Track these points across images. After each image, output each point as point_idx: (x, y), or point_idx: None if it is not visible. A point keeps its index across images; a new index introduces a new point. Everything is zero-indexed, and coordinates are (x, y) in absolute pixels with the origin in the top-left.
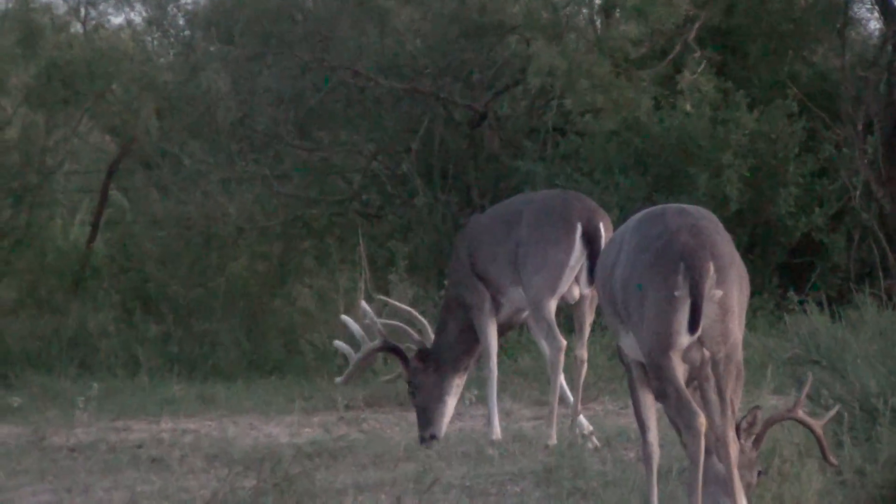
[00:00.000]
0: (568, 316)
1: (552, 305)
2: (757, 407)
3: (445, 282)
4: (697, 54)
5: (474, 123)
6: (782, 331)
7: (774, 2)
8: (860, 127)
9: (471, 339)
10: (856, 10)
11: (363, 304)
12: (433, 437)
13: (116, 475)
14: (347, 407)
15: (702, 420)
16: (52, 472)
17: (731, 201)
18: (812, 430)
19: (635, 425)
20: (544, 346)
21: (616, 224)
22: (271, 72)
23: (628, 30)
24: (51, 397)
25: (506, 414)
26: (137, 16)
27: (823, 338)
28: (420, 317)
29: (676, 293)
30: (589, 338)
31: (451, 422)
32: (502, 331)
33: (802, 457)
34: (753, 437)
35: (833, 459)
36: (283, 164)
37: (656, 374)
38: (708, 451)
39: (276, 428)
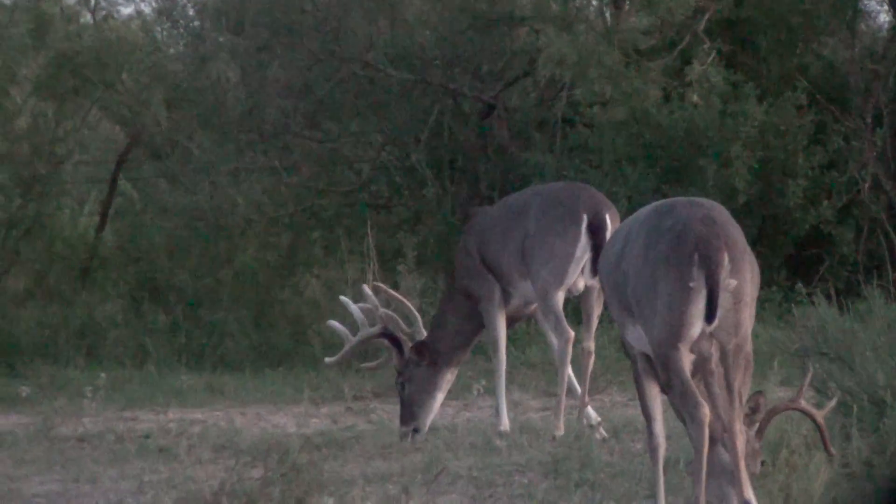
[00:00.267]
0: (576, 307)
1: (560, 297)
2: (759, 393)
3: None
4: (707, 45)
5: (483, 115)
6: (790, 323)
7: None
8: (869, 119)
9: (469, 332)
10: (865, 2)
11: (365, 288)
12: (416, 431)
13: (124, 465)
14: (355, 397)
15: (705, 411)
16: (59, 462)
17: (740, 193)
18: (814, 420)
19: (643, 417)
20: (552, 337)
21: (624, 216)
22: (281, 63)
23: (638, 21)
24: (59, 387)
25: (514, 405)
26: (147, 6)
27: (831, 330)
28: (413, 309)
29: (691, 284)
30: (597, 329)
31: (459, 412)
32: (510, 322)
33: (810, 448)
34: (756, 425)
35: (832, 450)
36: (292, 155)
37: (663, 366)
38: (714, 442)
39: (284, 418)
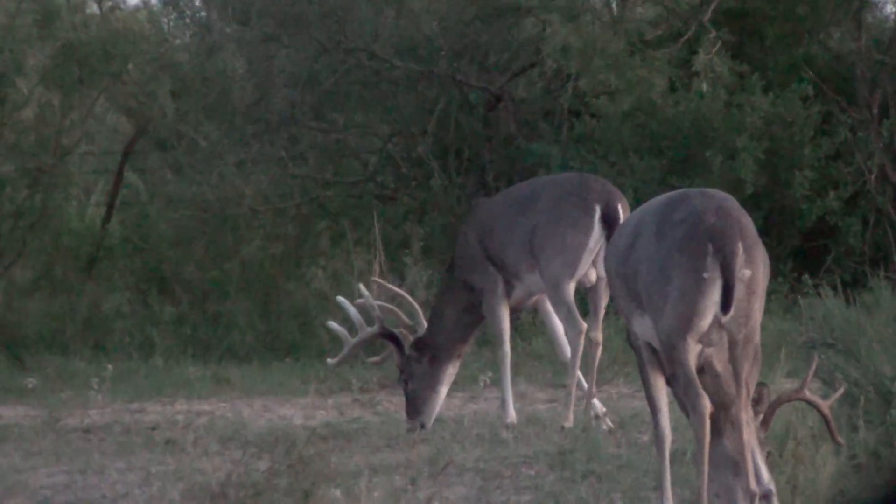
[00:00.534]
0: (583, 298)
1: (571, 288)
2: (763, 384)
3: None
4: (713, 36)
5: (490, 106)
6: (797, 314)
7: None
8: (875, 110)
9: (468, 325)
10: None
11: (360, 286)
12: (422, 425)
13: (131, 457)
14: (362, 389)
15: (706, 402)
16: (66, 454)
17: (746, 184)
18: (819, 411)
19: (648, 408)
20: (555, 330)
21: (631, 207)
22: (287, 53)
23: (644, 11)
24: (65, 379)
25: (520, 396)
26: None
27: (838, 321)
28: (412, 301)
29: (705, 275)
30: (603, 320)
31: (466, 404)
32: (511, 314)
33: (817, 440)
34: (761, 416)
35: (840, 439)
36: (299, 146)
37: (669, 356)
38: (719, 434)
39: (291, 410)
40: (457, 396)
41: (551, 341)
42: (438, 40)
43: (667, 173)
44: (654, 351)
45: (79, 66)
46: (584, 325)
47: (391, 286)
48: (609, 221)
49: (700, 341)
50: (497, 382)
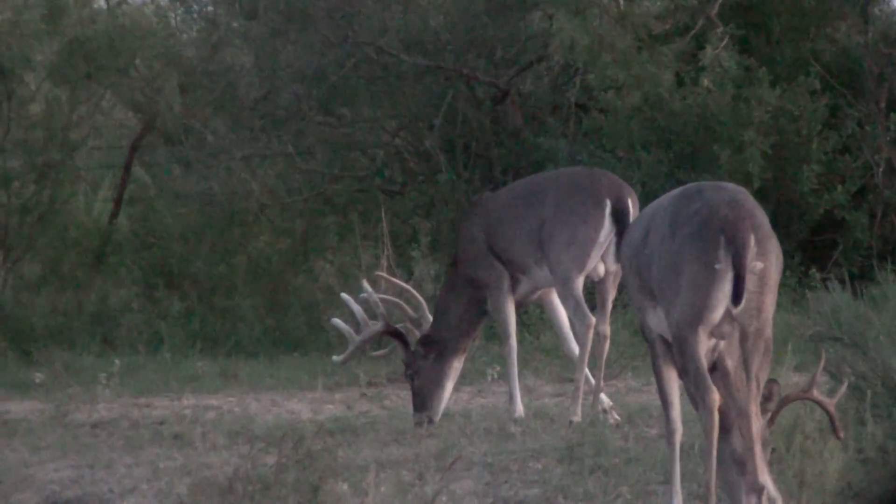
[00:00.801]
0: (590, 292)
1: (580, 282)
2: (773, 381)
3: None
4: (720, 30)
5: (497, 100)
6: (804, 308)
7: None
8: (883, 104)
9: (473, 320)
10: None
11: (364, 282)
12: (430, 421)
13: (138, 451)
14: (370, 384)
15: (715, 396)
16: (74, 449)
17: (754, 178)
18: (826, 410)
19: (657, 402)
20: (561, 326)
21: (640, 200)
22: (294, 48)
23: (651, 5)
24: (73, 373)
25: (528, 391)
26: None
27: (845, 315)
28: (417, 295)
29: (717, 266)
30: (611, 314)
31: (473, 398)
32: (516, 309)
33: (824, 434)
34: (769, 414)
35: (841, 434)
36: (306, 141)
37: (680, 350)
38: (727, 429)
39: (299, 404)
40: (464, 391)
41: (557, 336)
42: (446, 35)
43: (674, 167)
44: (667, 344)
45: (86, 61)
46: (593, 319)
47: (396, 280)
48: (619, 216)
49: (712, 334)
50: (504, 377)
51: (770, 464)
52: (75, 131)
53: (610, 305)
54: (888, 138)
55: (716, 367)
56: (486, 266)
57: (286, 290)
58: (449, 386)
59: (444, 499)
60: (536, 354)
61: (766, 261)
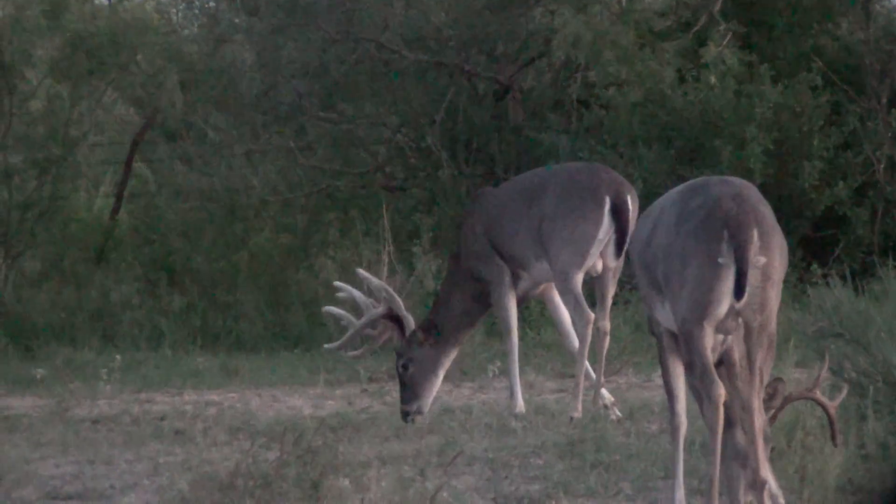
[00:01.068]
0: (590, 288)
1: (579, 279)
2: (779, 380)
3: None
4: (722, 27)
5: (499, 96)
6: (805, 304)
7: None
8: (884, 100)
9: (474, 314)
10: None
11: (361, 271)
12: (419, 411)
13: (139, 447)
14: (371, 379)
15: (721, 391)
16: (74, 444)
17: (755, 174)
18: (826, 411)
19: (658, 398)
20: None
21: (640, 197)
22: (296, 44)
23: (653, 2)
24: (74, 369)
25: (529, 386)
26: None
27: (847, 311)
28: (394, 294)
29: (720, 260)
30: (612, 310)
31: (474, 394)
32: (517, 304)
33: (825, 430)
34: (772, 411)
35: (839, 441)
36: (308, 137)
37: (686, 344)
38: (731, 424)
39: (300, 400)
40: (465, 386)
41: (558, 332)
42: (447, 31)
43: (676, 164)
44: (675, 338)
45: (87, 57)
46: (592, 315)
47: (374, 278)
48: (618, 212)
49: (717, 329)
50: (505, 372)
51: (771, 460)
52: (76, 127)
53: (610, 301)
54: (889, 134)
55: (721, 361)
56: (488, 261)
57: (287, 286)
58: (441, 376)
59: (445, 494)
60: (537, 350)
61: (770, 255)
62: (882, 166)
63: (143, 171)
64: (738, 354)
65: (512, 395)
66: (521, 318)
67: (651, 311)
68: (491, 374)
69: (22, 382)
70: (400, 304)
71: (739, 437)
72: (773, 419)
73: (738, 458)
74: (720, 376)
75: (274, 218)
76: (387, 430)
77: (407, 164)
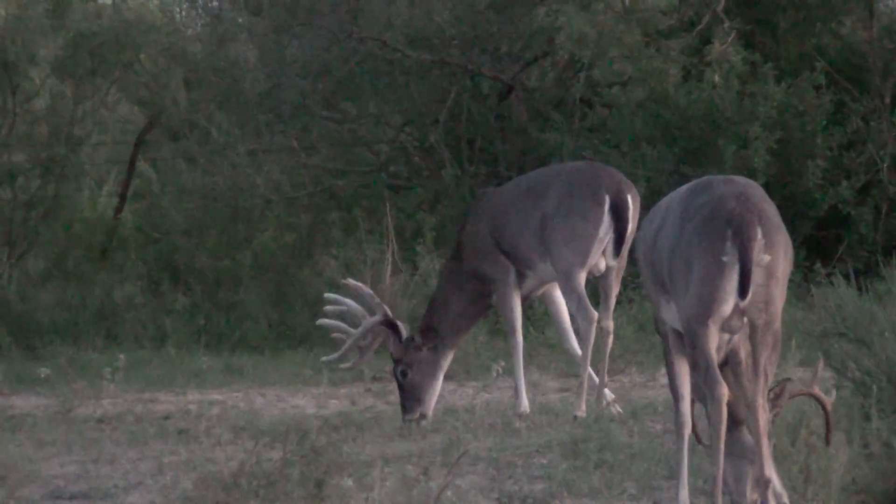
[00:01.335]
0: (594, 287)
1: (582, 278)
2: (788, 380)
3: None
4: (726, 25)
5: (502, 95)
6: (809, 303)
7: None
8: (888, 100)
9: (473, 314)
10: None
11: (350, 281)
12: (423, 416)
13: (143, 446)
14: (374, 379)
15: (724, 390)
16: (78, 443)
17: (759, 174)
18: (823, 408)
19: (662, 397)
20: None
21: (643, 196)
22: (299, 43)
23: (657, 0)
24: (78, 368)
25: (533, 386)
26: None
27: (850, 310)
28: (381, 302)
29: (724, 258)
30: (615, 309)
31: (478, 394)
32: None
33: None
34: (777, 410)
35: (832, 438)
36: (311, 136)
37: (691, 342)
38: (737, 423)
39: (303, 399)
40: (469, 386)
41: (557, 331)
42: (451, 30)
43: (679, 163)
44: (681, 338)
45: (91, 56)
46: (596, 314)
47: (362, 286)
48: (618, 211)
49: (722, 328)
50: (510, 372)
51: (781, 457)
52: (80, 126)
53: (613, 300)
54: (893, 134)
55: (727, 359)
56: (492, 261)
57: (291, 285)
58: (441, 378)
59: (449, 494)
60: (541, 349)
61: (774, 253)
62: (885, 165)
63: (147, 170)
64: (743, 353)
65: (516, 394)
66: (526, 318)
67: (657, 310)
68: (495, 374)
69: (26, 381)
70: (387, 311)
71: (746, 435)
72: (775, 417)
73: (745, 455)
74: (726, 375)
75: (277, 217)
76: (390, 430)
77: (410, 163)
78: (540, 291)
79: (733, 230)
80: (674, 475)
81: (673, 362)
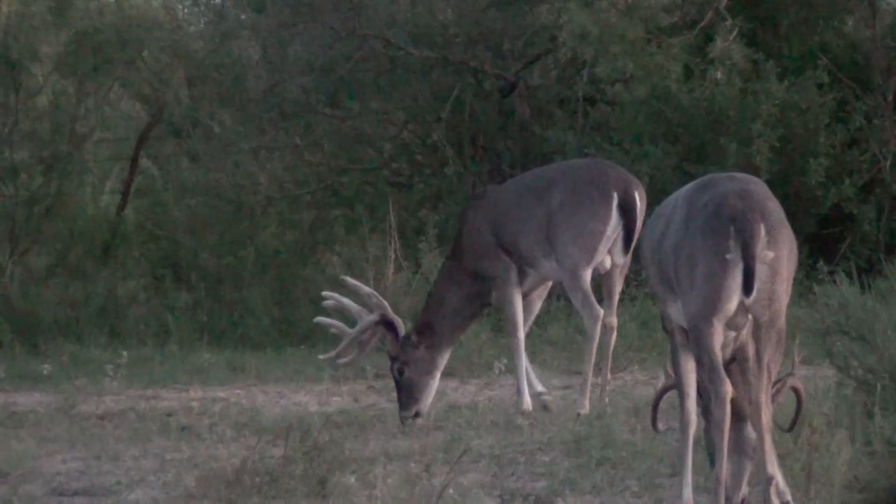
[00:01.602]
0: (597, 284)
1: (588, 275)
2: (791, 374)
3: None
4: (728, 23)
5: (505, 93)
6: (811, 301)
7: None
8: (890, 97)
9: (471, 313)
10: None
11: (348, 279)
12: (418, 414)
13: (146, 443)
14: (377, 376)
15: (728, 388)
16: (81, 440)
17: (761, 172)
18: (798, 398)
19: (666, 395)
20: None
21: (647, 194)
22: (302, 40)
23: None
24: (80, 365)
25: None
26: None
27: (853, 308)
28: (382, 299)
29: (728, 256)
30: (618, 307)
31: (480, 391)
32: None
33: (832, 427)
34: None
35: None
36: (314, 133)
37: (696, 340)
38: (740, 420)
39: (306, 396)
40: (472, 383)
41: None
42: (453, 27)
43: (682, 160)
44: (688, 335)
45: (93, 53)
46: (601, 312)
47: (361, 284)
48: (626, 209)
49: (728, 326)
50: (512, 369)
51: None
52: (82, 123)
53: (617, 298)
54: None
55: (734, 356)
56: (494, 258)
57: (294, 282)
58: (437, 377)
59: (451, 491)
60: (544, 347)
61: (778, 250)
62: (888, 164)
63: (150, 167)
64: (751, 350)
65: (518, 392)
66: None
67: (663, 307)
68: (497, 371)
69: (28, 378)
70: (388, 308)
71: (747, 431)
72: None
73: (747, 452)
74: (731, 372)
75: (280, 214)
76: (393, 427)
77: (413, 160)
78: (540, 289)
79: (736, 227)
80: (676, 472)
81: (679, 360)
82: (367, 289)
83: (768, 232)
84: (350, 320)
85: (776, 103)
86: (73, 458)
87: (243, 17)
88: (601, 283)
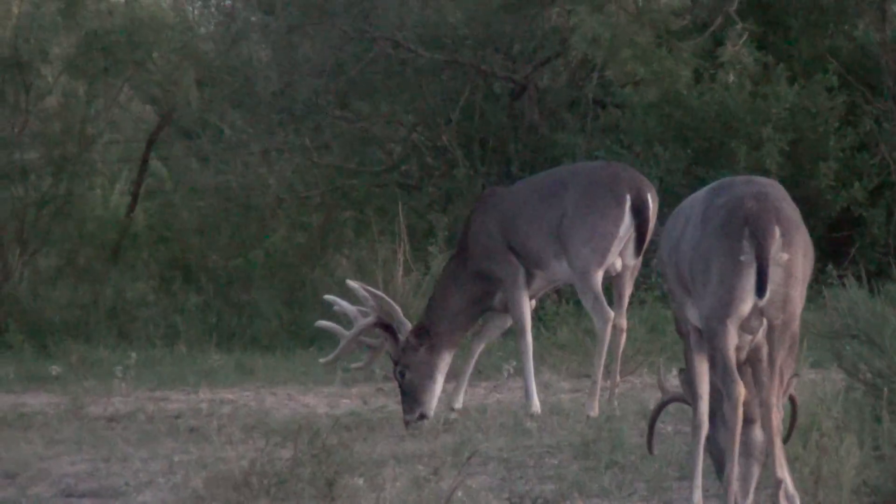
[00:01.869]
0: (607, 286)
1: (599, 277)
2: (796, 375)
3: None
4: (738, 27)
5: (515, 95)
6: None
7: None
8: None
9: (473, 315)
10: None
11: (350, 282)
12: (423, 416)
13: (154, 445)
14: (386, 378)
15: (741, 389)
16: (89, 442)
17: (771, 175)
18: (793, 404)
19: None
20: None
21: (658, 197)
22: (312, 42)
23: (669, 1)
24: (89, 367)
25: (544, 386)
26: None
27: (862, 312)
28: (393, 304)
29: (742, 258)
30: (628, 310)
31: (489, 394)
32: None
33: (840, 431)
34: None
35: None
36: (323, 135)
37: (710, 342)
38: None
39: (315, 399)
40: (480, 386)
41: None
42: (463, 30)
43: (692, 164)
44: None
45: (103, 54)
46: (612, 314)
47: (370, 288)
48: (638, 211)
49: (742, 328)
50: (521, 372)
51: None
52: (92, 125)
53: (627, 299)
54: None
55: (748, 358)
56: (502, 260)
57: (303, 284)
58: (440, 380)
59: (459, 494)
60: (553, 350)
61: (792, 253)
62: None
63: (159, 168)
64: (764, 353)
65: (527, 395)
66: (536, 318)
67: (680, 309)
68: (506, 374)
69: (37, 380)
70: (398, 312)
71: (756, 434)
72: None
73: (755, 455)
74: (744, 374)
75: (290, 216)
76: (401, 430)
77: (423, 162)
78: (545, 292)
79: (750, 229)
80: (685, 476)
81: (693, 363)
82: (365, 293)
83: (783, 234)
84: (351, 324)
85: (786, 107)
86: (81, 460)
87: (253, 18)
88: (612, 285)
